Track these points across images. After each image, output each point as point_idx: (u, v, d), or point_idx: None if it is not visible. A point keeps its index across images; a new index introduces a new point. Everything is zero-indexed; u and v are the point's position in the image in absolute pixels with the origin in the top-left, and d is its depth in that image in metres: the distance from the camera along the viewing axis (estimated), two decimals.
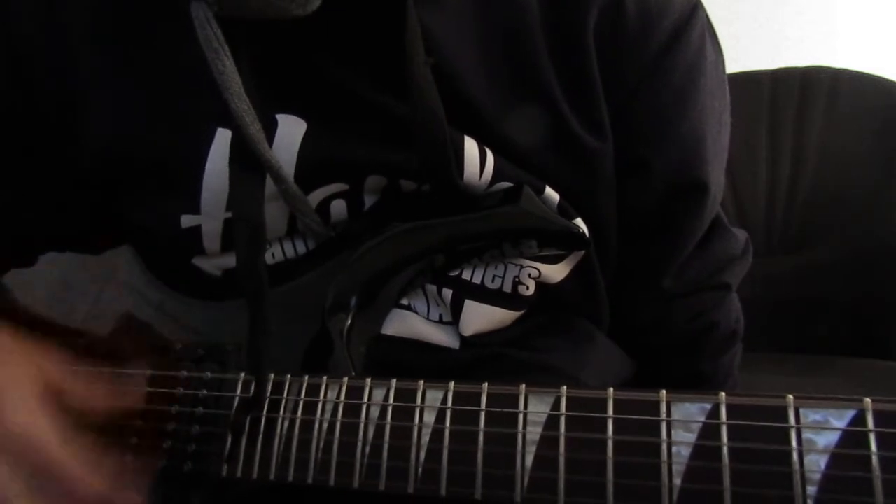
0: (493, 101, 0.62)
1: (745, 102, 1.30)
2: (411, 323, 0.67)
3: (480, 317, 0.66)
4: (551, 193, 0.63)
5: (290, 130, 0.61)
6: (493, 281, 0.66)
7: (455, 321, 0.66)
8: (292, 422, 0.56)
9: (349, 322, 0.63)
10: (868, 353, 1.23)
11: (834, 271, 1.27)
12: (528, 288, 0.66)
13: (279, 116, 0.61)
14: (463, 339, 0.67)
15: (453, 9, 0.61)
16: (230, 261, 0.67)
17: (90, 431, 0.56)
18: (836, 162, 1.28)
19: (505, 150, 0.62)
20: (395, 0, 0.55)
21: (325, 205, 0.64)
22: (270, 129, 0.61)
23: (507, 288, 0.66)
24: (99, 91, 0.63)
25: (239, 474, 0.57)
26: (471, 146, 0.61)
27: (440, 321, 0.68)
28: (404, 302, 0.68)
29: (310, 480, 0.54)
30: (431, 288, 0.67)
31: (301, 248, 0.68)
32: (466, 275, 0.66)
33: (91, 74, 0.63)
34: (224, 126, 0.61)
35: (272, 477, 0.56)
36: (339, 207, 0.64)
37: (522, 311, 0.68)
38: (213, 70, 0.55)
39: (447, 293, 0.66)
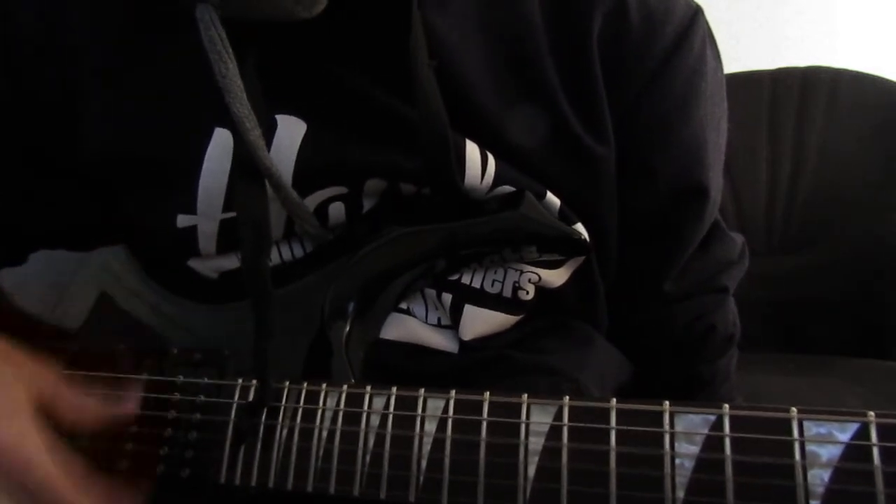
0: (495, 105, 0.62)
1: (745, 102, 1.30)
2: (410, 327, 0.67)
3: (480, 321, 0.66)
4: (552, 199, 0.63)
5: (290, 131, 0.61)
6: (492, 285, 0.66)
7: (454, 325, 0.66)
8: (291, 429, 0.56)
9: (348, 328, 0.63)
10: (868, 353, 1.23)
11: (834, 271, 1.28)
12: (527, 293, 0.66)
13: (279, 117, 0.61)
14: (462, 344, 0.67)
15: (457, 12, 0.61)
16: (226, 263, 0.66)
17: (83, 446, 0.56)
18: (836, 162, 1.28)
19: (506, 154, 0.62)
20: (399, 3, 0.55)
21: (323, 207, 0.64)
22: (270, 129, 0.60)
23: (507, 293, 0.66)
24: (98, 90, 0.63)
25: (237, 481, 0.57)
26: (472, 150, 0.60)
27: (439, 325, 0.68)
28: (403, 306, 0.68)
29: (309, 488, 0.54)
30: (430, 292, 0.66)
31: (298, 252, 0.67)
32: (466, 279, 0.66)
33: (90, 74, 0.63)
34: (222, 126, 0.61)
35: (271, 484, 0.56)
36: (337, 210, 0.64)
37: (522, 316, 0.68)
38: (215, 73, 0.55)
39: (446, 297, 0.66)
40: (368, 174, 0.62)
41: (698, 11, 0.67)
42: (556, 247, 0.64)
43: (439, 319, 0.67)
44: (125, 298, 0.71)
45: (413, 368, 0.67)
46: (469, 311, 0.66)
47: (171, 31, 0.60)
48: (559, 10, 0.62)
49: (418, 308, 0.68)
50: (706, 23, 0.68)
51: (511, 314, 0.67)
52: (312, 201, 0.63)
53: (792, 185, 1.31)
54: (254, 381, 0.59)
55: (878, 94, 1.27)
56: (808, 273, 1.30)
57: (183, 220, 0.64)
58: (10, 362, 0.57)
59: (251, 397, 0.59)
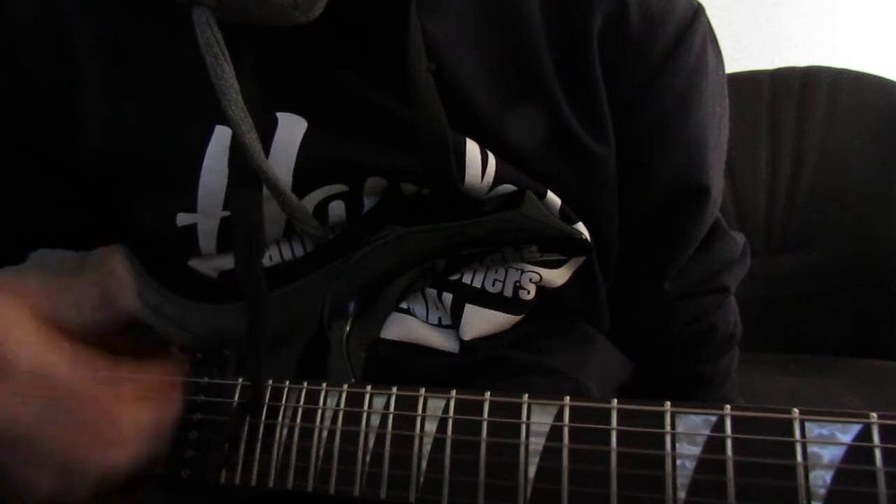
0: (495, 105, 0.61)
1: (745, 102, 1.30)
2: (410, 326, 0.67)
3: (481, 321, 0.66)
4: (553, 198, 0.63)
5: (291, 129, 0.61)
6: (493, 285, 0.66)
7: (455, 325, 0.66)
8: (291, 429, 0.56)
9: (348, 328, 0.63)
10: (868, 353, 1.24)
11: (834, 271, 1.28)
12: (528, 292, 0.66)
13: (280, 115, 0.61)
14: (462, 343, 0.67)
15: (455, 13, 0.61)
16: (226, 262, 0.66)
17: (91, 345, 0.55)
18: (836, 162, 1.28)
19: (507, 154, 0.62)
20: (397, 5, 0.55)
21: (323, 206, 0.63)
22: (271, 126, 0.60)
23: (508, 292, 0.66)
24: (97, 88, 0.63)
25: (237, 481, 0.57)
26: (472, 149, 0.60)
27: (439, 325, 0.68)
28: (403, 305, 0.68)
29: (310, 488, 0.54)
30: (431, 292, 0.66)
31: (299, 251, 0.67)
32: (467, 279, 0.66)
33: (90, 72, 0.63)
34: (222, 124, 0.61)
35: (271, 484, 0.55)
36: (337, 209, 0.64)
37: (522, 316, 0.68)
38: (211, 75, 0.55)
39: (447, 297, 0.66)
40: (369, 172, 0.62)
41: (699, 10, 0.67)
42: (557, 246, 0.64)
43: (440, 319, 0.67)
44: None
45: (413, 368, 0.67)
46: (470, 310, 0.66)
47: (171, 30, 0.60)
48: (559, 9, 0.62)
49: (419, 308, 0.68)
50: (707, 22, 0.68)
51: (512, 314, 0.67)
52: (312, 199, 0.63)
53: (792, 185, 1.31)
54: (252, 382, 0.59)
55: (878, 94, 1.27)
56: (808, 273, 1.30)
57: (183, 219, 0.63)
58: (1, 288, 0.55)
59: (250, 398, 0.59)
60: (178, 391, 0.57)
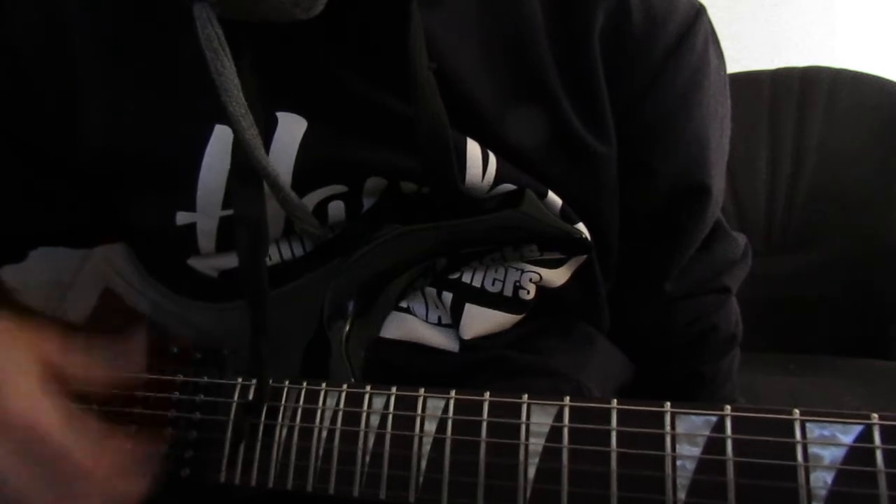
0: (496, 104, 0.61)
1: (745, 102, 1.30)
2: (410, 326, 0.67)
3: (481, 320, 0.66)
4: (554, 198, 0.63)
5: (291, 128, 0.61)
6: (493, 284, 0.66)
7: (455, 324, 0.66)
8: (291, 429, 0.56)
9: (348, 328, 0.62)
10: (868, 353, 1.23)
11: (834, 271, 1.28)
12: (528, 292, 0.66)
13: (280, 114, 0.61)
14: (462, 343, 0.67)
15: (456, 11, 0.61)
16: (226, 261, 0.66)
17: (93, 411, 0.56)
18: (836, 162, 1.28)
19: (507, 153, 0.62)
20: (397, 3, 0.55)
21: (323, 206, 0.63)
22: (271, 126, 0.60)
23: (508, 292, 0.66)
24: (97, 87, 0.63)
25: (237, 481, 0.57)
26: (473, 148, 0.60)
27: (439, 324, 0.67)
28: (403, 304, 0.67)
29: (309, 488, 0.54)
30: (431, 291, 0.66)
31: (298, 250, 0.67)
32: (467, 278, 0.66)
33: (89, 70, 0.63)
34: (222, 123, 0.61)
35: (271, 484, 0.56)
36: (337, 209, 0.64)
37: (522, 315, 0.68)
38: (211, 71, 0.55)
39: (447, 296, 0.66)
40: (369, 172, 0.62)
41: (701, 10, 0.66)
42: (557, 245, 0.64)
43: (440, 318, 0.67)
44: (127, 295, 0.71)
45: (413, 367, 0.66)
46: (470, 310, 0.66)
47: (172, 27, 0.60)
48: (560, 7, 0.62)
49: (418, 307, 0.68)
50: (709, 21, 0.68)
51: (512, 313, 0.67)
52: (312, 199, 0.63)
53: (792, 185, 1.31)
54: (253, 381, 0.59)
55: (877, 94, 1.27)
56: (808, 273, 1.30)
57: (182, 218, 0.63)
58: (17, 332, 0.56)
59: (251, 397, 0.59)
60: (155, 466, 0.58)
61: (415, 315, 0.67)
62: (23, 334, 0.56)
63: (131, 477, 0.55)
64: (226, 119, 0.57)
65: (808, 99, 1.30)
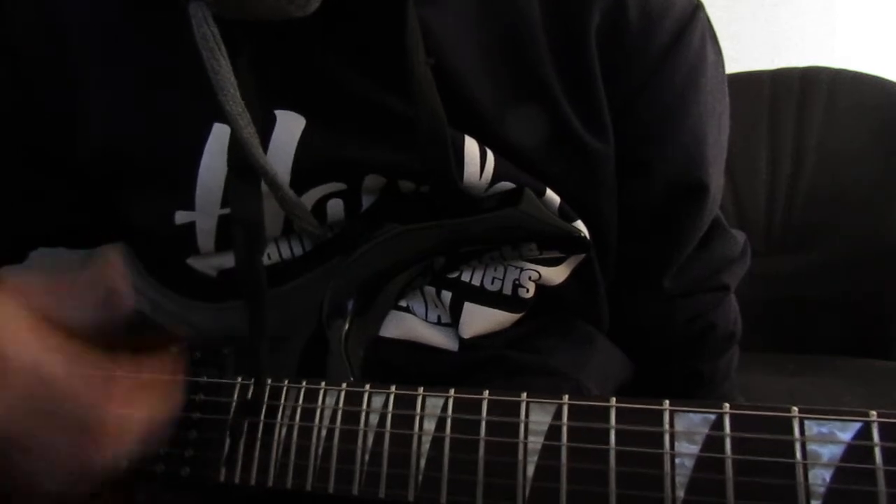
0: (493, 101, 0.61)
1: (745, 102, 1.30)
2: (410, 324, 0.67)
3: (480, 319, 0.66)
4: (552, 196, 0.63)
5: (289, 126, 0.61)
6: (492, 283, 0.66)
7: (454, 323, 0.66)
8: (290, 428, 0.56)
9: (347, 327, 0.62)
10: (868, 353, 1.23)
11: (834, 271, 1.28)
12: (528, 290, 0.66)
13: (278, 112, 0.61)
14: (462, 342, 0.67)
15: (454, 8, 0.61)
16: (225, 261, 0.66)
17: (90, 343, 0.54)
18: (836, 162, 1.28)
19: (505, 151, 0.62)
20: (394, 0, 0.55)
21: (321, 204, 0.63)
22: (269, 124, 0.60)
23: (507, 290, 0.66)
24: (96, 86, 0.63)
25: (237, 480, 0.57)
26: (471, 146, 0.60)
27: (438, 323, 0.67)
28: (402, 303, 0.67)
29: (308, 487, 0.54)
30: (430, 290, 0.66)
31: (297, 249, 0.67)
32: (466, 277, 0.66)
33: (89, 70, 0.63)
34: (220, 121, 0.61)
35: (270, 483, 0.55)
36: (335, 207, 0.64)
37: (522, 314, 0.68)
38: (208, 70, 0.55)
39: (446, 295, 0.66)
40: (367, 170, 0.62)
41: (698, 6, 0.66)
42: (556, 244, 0.64)
43: (439, 317, 0.67)
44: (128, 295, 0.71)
45: (413, 366, 0.66)
46: (469, 308, 0.66)
47: (170, 27, 0.60)
48: (558, 6, 0.62)
49: (418, 306, 0.67)
50: (707, 18, 0.68)
51: (511, 312, 0.67)
52: (310, 197, 0.63)
53: (792, 185, 1.31)
54: (252, 380, 0.59)
55: (877, 94, 1.27)
56: (808, 273, 1.30)
57: (181, 217, 0.63)
58: None
59: (250, 396, 0.58)
60: (175, 389, 0.57)
61: (414, 314, 0.67)
62: (5, 286, 0.55)
63: (146, 403, 0.53)
64: (224, 118, 0.57)
65: (808, 99, 1.30)
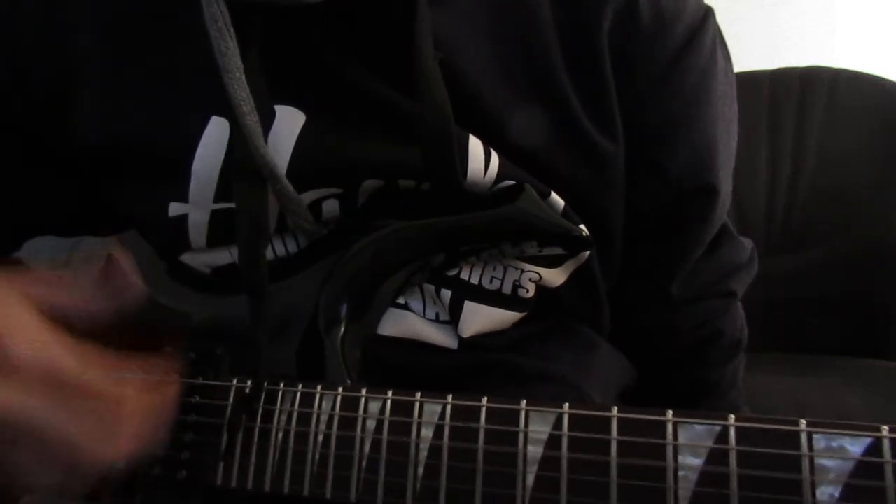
0: (502, 101, 0.61)
1: (745, 102, 1.30)
2: (408, 322, 0.66)
3: (480, 318, 0.65)
4: (556, 199, 0.62)
5: (288, 122, 0.60)
6: (490, 282, 0.66)
7: (454, 322, 0.65)
8: (287, 433, 0.55)
9: (343, 326, 0.62)
10: (868, 353, 1.24)
11: (834, 271, 1.28)
12: (528, 291, 0.66)
13: (278, 107, 0.60)
14: (461, 341, 0.66)
15: (464, 7, 0.61)
16: (218, 258, 0.66)
17: (95, 336, 0.54)
18: (836, 162, 1.29)
19: (511, 152, 0.61)
20: None
21: (317, 204, 0.63)
22: (268, 119, 0.60)
23: (507, 290, 0.66)
24: (95, 75, 0.63)
25: (234, 484, 0.56)
26: (475, 145, 0.60)
27: (437, 320, 0.67)
28: (400, 301, 0.67)
29: (306, 493, 0.53)
30: (429, 287, 0.66)
31: (292, 247, 0.66)
32: (465, 274, 0.65)
33: (86, 58, 0.63)
34: (219, 114, 0.60)
35: (267, 488, 0.55)
36: (331, 206, 0.63)
37: (522, 314, 0.67)
38: (215, 51, 0.55)
39: (446, 294, 0.65)
40: (366, 175, 0.61)
41: (709, 11, 0.67)
42: (557, 241, 0.64)
43: (438, 315, 0.67)
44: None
45: (411, 365, 0.66)
46: (469, 307, 0.65)
47: (170, 16, 0.60)
48: (569, 6, 0.62)
49: (416, 303, 0.67)
50: (717, 24, 0.68)
51: (511, 311, 0.66)
52: (306, 199, 0.62)
53: (792, 185, 1.31)
54: (248, 381, 0.58)
55: (876, 94, 1.28)
56: (808, 273, 1.30)
57: (175, 209, 0.63)
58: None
59: (247, 392, 0.58)
60: (177, 388, 0.57)
61: (413, 311, 0.67)
62: (5, 280, 0.54)
63: (152, 403, 0.52)
64: (223, 110, 0.56)
65: (807, 99, 1.31)
